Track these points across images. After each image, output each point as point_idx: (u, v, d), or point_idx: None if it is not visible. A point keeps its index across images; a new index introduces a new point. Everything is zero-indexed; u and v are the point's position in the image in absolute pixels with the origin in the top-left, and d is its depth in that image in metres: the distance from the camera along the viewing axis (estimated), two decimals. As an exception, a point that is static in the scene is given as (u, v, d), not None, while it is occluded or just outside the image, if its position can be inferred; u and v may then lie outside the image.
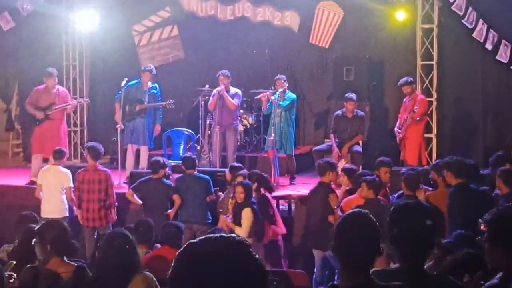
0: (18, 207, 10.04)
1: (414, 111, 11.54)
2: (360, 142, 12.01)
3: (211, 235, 2.11)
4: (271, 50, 14.05)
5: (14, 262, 6.34)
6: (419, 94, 12.01)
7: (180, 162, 12.15)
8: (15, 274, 5.61)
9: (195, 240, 2.11)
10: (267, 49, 14.00)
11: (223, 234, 2.10)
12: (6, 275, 5.31)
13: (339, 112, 12.02)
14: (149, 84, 12.01)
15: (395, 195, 9.00)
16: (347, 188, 9.28)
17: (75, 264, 5.51)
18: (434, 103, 12.67)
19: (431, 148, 12.57)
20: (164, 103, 11.96)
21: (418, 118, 11.62)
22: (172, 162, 11.50)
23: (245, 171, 9.74)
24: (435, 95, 12.69)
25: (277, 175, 11.74)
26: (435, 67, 12.72)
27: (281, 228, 9.32)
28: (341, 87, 12.99)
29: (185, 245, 2.11)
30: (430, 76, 12.74)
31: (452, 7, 12.21)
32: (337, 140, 11.85)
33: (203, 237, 2.11)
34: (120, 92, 11.91)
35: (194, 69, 14.35)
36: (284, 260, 9.39)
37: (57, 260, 5.42)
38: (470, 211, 7.56)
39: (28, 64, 13.94)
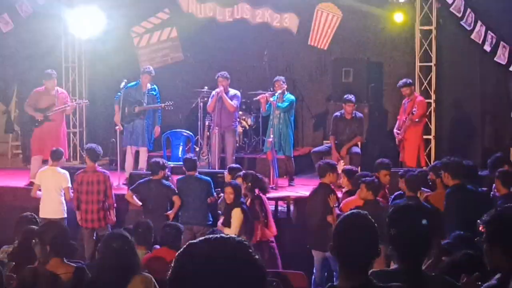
0: (18, 209, 10.03)
1: (413, 113, 11.55)
2: (359, 143, 12.03)
3: (210, 236, 2.12)
4: (270, 52, 14.07)
5: (14, 263, 6.35)
6: (418, 96, 12.02)
7: (179, 163, 12.18)
8: (14, 275, 5.63)
9: (194, 241, 2.12)
10: (266, 50, 14.02)
11: (222, 235, 2.11)
12: (6, 276, 5.32)
13: (338, 113, 12.04)
14: (148, 85, 12.02)
15: (392, 196, 9.02)
16: (347, 189, 9.30)
17: (75, 265, 5.52)
18: (433, 105, 12.69)
19: (430, 150, 12.58)
20: (163, 104, 11.97)
21: (417, 120, 11.63)
22: (171, 164, 11.51)
23: (244, 172, 9.76)
24: (433, 97, 12.70)
25: (276, 176, 11.75)
26: (433, 68, 12.74)
27: (272, 230, 9.28)
28: (339, 89, 13.00)
29: (184, 246, 2.12)
30: (429, 77, 12.75)
31: (451, 9, 12.23)
32: (336, 141, 11.86)
33: (202, 238, 2.12)
34: (119, 93, 11.92)
35: (193, 70, 14.36)
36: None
37: (56, 261, 5.43)
38: (467, 212, 7.58)
39: (27, 66, 13.94)
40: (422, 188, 8.81)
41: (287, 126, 11.93)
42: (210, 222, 9.73)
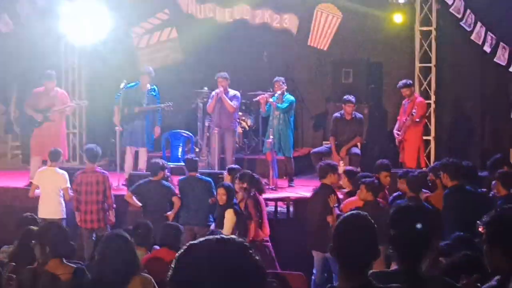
0: (17, 209, 10.05)
1: (413, 114, 11.55)
2: (359, 144, 12.03)
3: (211, 236, 2.11)
4: (269, 52, 14.07)
5: (13, 263, 6.34)
6: (418, 97, 12.02)
7: (179, 164, 12.19)
8: (14, 276, 5.62)
9: (195, 242, 2.12)
10: (266, 51, 14.02)
11: (223, 236, 2.11)
12: (5, 277, 5.33)
13: (337, 114, 12.03)
14: (148, 86, 12.02)
15: (391, 197, 9.02)
16: (348, 190, 9.29)
17: (74, 266, 5.52)
18: (433, 106, 12.69)
19: (429, 150, 12.58)
20: (162, 105, 11.97)
21: (417, 120, 11.63)
22: (171, 164, 11.50)
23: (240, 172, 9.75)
24: (433, 98, 12.70)
25: (276, 177, 11.75)
26: (433, 69, 12.74)
27: (265, 231, 9.24)
28: (339, 89, 13.01)
29: (185, 247, 2.12)
30: (429, 78, 12.75)
31: (451, 10, 12.23)
32: (335, 142, 11.86)
33: (203, 238, 2.12)
34: (119, 94, 11.91)
35: (193, 71, 14.35)
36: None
37: (56, 262, 5.43)
38: (465, 213, 7.59)
39: (27, 66, 13.93)
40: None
41: (286, 126, 11.93)
42: (211, 223, 9.73)
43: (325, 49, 13.93)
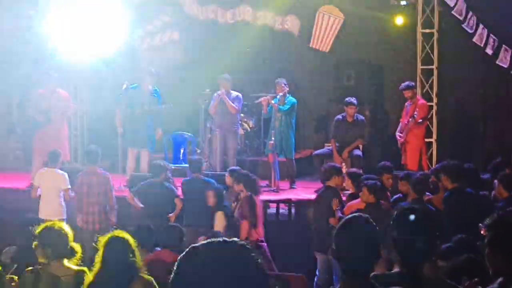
0: (19, 210, 10.04)
1: (414, 116, 11.55)
2: (360, 146, 12.01)
3: (213, 239, 2.11)
4: (271, 54, 14.06)
5: (15, 265, 6.35)
6: (420, 99, 12.01)
7: (181, 165, 12.20)
8: (16, 277, 5.62)
9: (197, 244, 2.12)
10: (267, 53, 14.01)
11: (225, 239, 2.10)
12: (7, 278, 5.33)
13: (339, 116, 12.02)
14: (150, 87, 12.02)
15: (392, 199, 9.02)
16: (351, 192, 9.28)
17: (76, 267, 5.52)
18: (435, 108, 12.67)
19: (431, 153, 12.57)
20: (164, 106, 11.97)
21: (420, 120, 11.62)
22: (173, 166, 11.51)
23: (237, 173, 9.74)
24: (435, 100, 12.69)
25: (277, 179, 11.75)
26: (435, 71, 12.73)
27: (258, 232, 9.21)
28: (341, 91, 13.01)
29: (187, 249, 2.12)
30: (431, 80, 12.74)
31: (453, 12, 12.23)
32: (337, 144, 11.85)
33: (205, 241, 2.12)
34: (120, 95, 11.92)
35: (195, 72, 14.34)
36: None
37: (57, 263, 5.43)
38: (465, 215, 7.58)
39: (30, 68, 13.93)
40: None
41: (288, 128, 11.93)
42: None
43: (327, 50, 13.92)
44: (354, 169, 10.19)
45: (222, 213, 8.84)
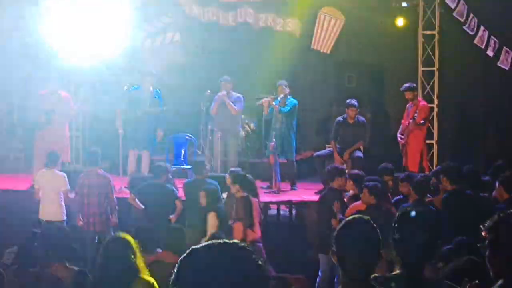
0: (20, 212, 10.06)
1: (414, 118, 11.55)
2: (361, 147, 12.02)
3: (213, 241, 2.11)
4: (272, 56, 14.06)
5: (16, 266, 6.35)
6: (422, 101, 12.01)
7: (182, 167, 12.20)
8: (16, 279, 5.63)
9: (197, 246, 2.12)
10: (269, 54, 14.01)
11: (226, 240, 2.10)
12: (8, 280, 5.33)
13: (340, 118, 12.02)
14: (151, 89, 12.03)
15: (392, 201, 9.01)
16: (352, 194, 9.28)
17: (76, 269, 5.52)
18: (435, 110, 12.68)
19: (432, 154, 12.57)
20: (165, 107, 11.98)
21: (421, 122, 11.63)
22: (174, 167, 11.51)
23: (249, 176, 9.73)
24: (436, 101, 12.69)
25: (278, 180, 11.76)
26: (436, 73, 12.73)
27: (256, 233, 9.19)
28: (342, 93, 13.01)
29: (187, 251, 2.12)
30: (432, 82, 12.74)
31: (454, 14, 12.23)
32: (338, 145, 11.85)
33: (205, 243, 2.12)
34: (121, 97, 11.93)
35: (196, 74, 14.35)
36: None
37: (58, 265, 5.43)
38: (464, 217, 7.58)
39: (31, 69, 13.94)
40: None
41: (289, 130, 11.94)
42: None
43: (328, 52, 13.92)
44: (356, 171, 10.17)
45: (215, 213, 8.84)
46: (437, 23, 12.66)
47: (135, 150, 12.05)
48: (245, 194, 8.99)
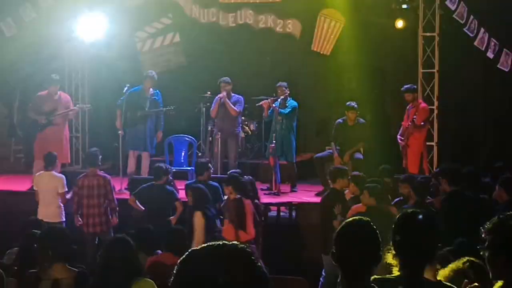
0: (20, 213, 10.05)
1: (414, 120, 11.56)
2: (361, 149, 12.02)
3: (213, 242, 2.11)
4: (272, 57, 14.07)
5: (16, 267, 6.36)
6: (422, 102, 12.01)
7: (182, 168, 12.20)
8: (16, 280, 5.63)
9: (197, 248, 2.12)
10: (269, 56, 14.02)
11: (225, 242, 2.10)
12: (8, 281, 5.33)
13: (340, 120, 12.03)
14: (151, 90, 12.05)
15: (392, 203, 9.01)
16: (352, 195, 9.28)
17: (76, 270, 5.52)
18: (436, 111, 12.67)
19: (432, 156, 12.57)
20: (165, 109, 11.99)
21: (422, 123, 11.63)
22: (174, 169, 11.51)
23: (249, 177, 9.74)
24: (436, 103, 12.69)
25: (278, 182, 11.76)
26: (436, 75, 12.73)
27: (249, 234, 9.16)
28: (342, 95, 13.01)
29: (187, 252, 2.12)
30: (432, 84, 12.74)
31: (454, 16, 12.23)
32: (338, 147, 11.86)
33: (205, 244, 2.12)
34: (122, 98, 11.94)
35: (196, 75, 14.36)
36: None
37: (58, 266, 5.43)
38: (463, 218, 7.58)
39: (31, 70, 13.96)
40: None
41: (289, 131, 11.94)
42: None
43: (328, 54, 13.93)
44: (357, 173, 10.17)
45: (201, 212, 8.87)
46: (437, 25, 12.66)
47: (135, 151, 12.06)
48: (238, 196, 9.00)
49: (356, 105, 11.80)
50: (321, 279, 9.02)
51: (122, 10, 13.86)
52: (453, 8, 12.20)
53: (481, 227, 3.66)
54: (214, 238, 7.80)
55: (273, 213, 10.95)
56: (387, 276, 3.88)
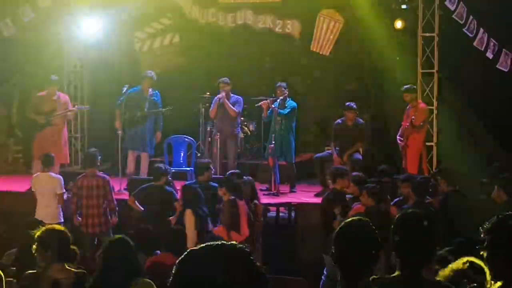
0: (19, 213, 10.05)
1: (412, 120, 11.56)
2: (360, 149, 12.02)
3: (211, 242, 2.11)
4: (272, 57, 14.07)
5: (14, 268, 6.35)
6: (421, 103, 12.01)
7: (181, 169, 12.20)
8: (15, 280, 5.62)
9: (195, 248, 2.12)
10: (268, 56, 14.01)
11: (224, 242, 2.10)
12: (7, 281, 5.32)
13: (339, 120, 12.03)
14: (150, 91, 12.04)
15: (392, 203, 9.02)
16: (352, 196, 9.28)
17: (75, 270, 5.52)
18: (435, 112, 12.67)
19: (432, 157, 12.57)
20: (164, 109, 11.99)
21: (421, 123, 11.63)
22: (173, 169, 11.50)
23: (249, 177, 9.75)
24: (435, 104, 12.69)
25: (277, 182, 11.75)
26: (435, 75, 12.73)
27: (242, 235, 9.16)
28: (341, 95, 13.01)
29: (185, 252, 2.11)
30: (431, 84, 12.74)
31: (453, 16, 12.23)
32: (337, 148, 11.86)
33: (203, 244, 2.12)
34: (121, 98, 11.93)
35: (195, 76, 14.36)
36: None
37: (57, 266, 5.43)
38: (460, 218, 7.59)
39: (30, 71, 13.96)
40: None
41: (288, 132, 11.93)
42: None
43: (327, 54, 13.93)
44: (357, 173, 10.16)
45: (191, 210, 8.91)
46: (436, 25, 12.65)
47: (134, 151, 12.05)
48: (232, 197, 9.02)
49: (355, 106, 11.80)
50: (322, 277, 9.01)
51: (121, 10, 13.86)
52: (452, 8, 12.20)
53: (480, 227, 3.66)
54: (213, 238, 7.79)
55: (272, 213, 10.95)
56: (386, 276, 3.88)
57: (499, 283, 3.57)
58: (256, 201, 9.49)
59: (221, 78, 12.15)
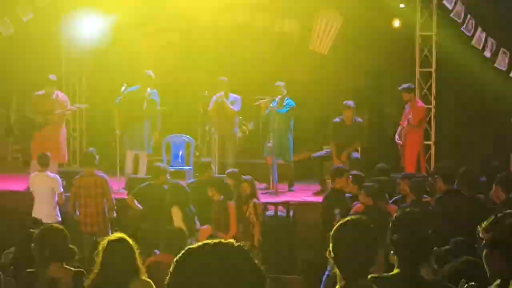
0: (18, 212, 10.05)
1: (409, 120, 11.57)
2: (359, 148, 12.02)
3: (209, 241, 2.11)
4: (270, 57, 14.06)
5: (13, 267, 6.35)
6: (419, 102, 12.02)
7: (179, 168, 12.19)
8: (14, 279, 5.62)
9: (193, 246, 2.12)
10: (266, 55, 14.01)
11: (221, 240, 2.10)
12: (5, 280, 5.32)
13: (337, 119, 12.03)
14: (149, 90, 12.03)
15: (391, 201, 9.03)
16: (351, 194, 9.29)
17: (74, 269, 5.51)
18: (433, 111, 12.68)
19: (430, 155, 12.58)
20: (162, 108, 11.99)
21: (419, 122, 11.63)
22: (171, 168, 11.50)
23: (249, 176, 9.75)
24: (433, 103, 12.70)
25: (276, 181, 11.76)
26: (433, 74, 12.74)
27: (230, 233, 9.19)
28: (340, 94, 13.01)
29: (183, 251, 2.12)
30: (429, 83, 12.75)
31: (451, 15, 12.23)
32: (335, 147, 11.86)
33: (201, 243, 2.12)
34: (119, 97, 11.93)
35: (194, 75, 14.34)
36: None
37: (56, 266, 5.42)
38: (458, 217, 7.60)
39: (28, 70, 13.94)
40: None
41: (286, 131, 11.94)
42: None
43: (325, 53, 13.93)
44: (356, 172, 10.16)
45: (177, 206, 8.94)
46: (434, 24, 12.66)
47: (133, 150, 12.04)
48: (221, 198, 9.04)
49: (353, 104, 11.80)
50: (326, 272, 9.01)
51: (119, 9, 13.84)
52: (450, 7, 12.19)
53: (477, 226, 3.66)
54: (212, 236, 7.80)
55: (270, 212, 10.95)
56: (385, 274, 3.89)
57: (497, 282, 3.58)
58: (255, 200, 9.50)
59: (219, 77, 12.14)
